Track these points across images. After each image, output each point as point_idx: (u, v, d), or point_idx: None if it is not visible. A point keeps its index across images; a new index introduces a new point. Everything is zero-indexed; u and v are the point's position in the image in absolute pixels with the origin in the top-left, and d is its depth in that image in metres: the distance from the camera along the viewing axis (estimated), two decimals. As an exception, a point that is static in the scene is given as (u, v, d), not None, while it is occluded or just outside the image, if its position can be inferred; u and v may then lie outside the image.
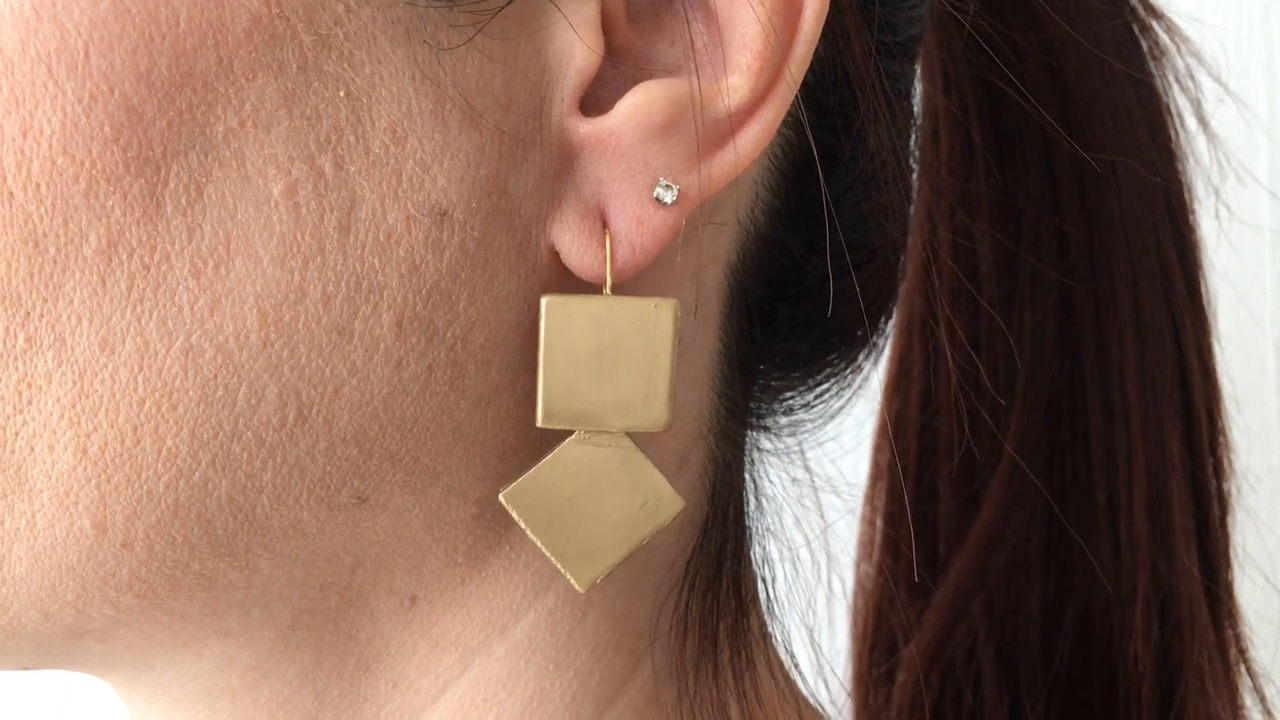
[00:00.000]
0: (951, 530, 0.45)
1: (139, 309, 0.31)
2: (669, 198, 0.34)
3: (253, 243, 0.31)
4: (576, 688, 0.37)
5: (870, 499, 0.49)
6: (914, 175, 0.44)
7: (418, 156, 0.32)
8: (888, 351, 0.47)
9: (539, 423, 0.34)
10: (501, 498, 0.34)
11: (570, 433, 0.35)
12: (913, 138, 0.44)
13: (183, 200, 0.31)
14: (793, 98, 0.34)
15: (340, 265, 0.32)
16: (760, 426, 0.43)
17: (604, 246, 0.34)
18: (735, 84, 0.33)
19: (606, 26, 0.34)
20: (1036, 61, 0.43)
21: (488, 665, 0.37)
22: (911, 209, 0.45)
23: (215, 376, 0.32)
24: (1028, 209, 0.44)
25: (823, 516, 0.43)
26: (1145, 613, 0.42)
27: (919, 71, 0.44)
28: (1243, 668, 0.45)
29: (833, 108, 0.38)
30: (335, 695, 0.37)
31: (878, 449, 0.49)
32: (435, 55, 0.32)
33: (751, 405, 0.42)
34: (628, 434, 0.35)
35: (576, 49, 0.33)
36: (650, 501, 0.35)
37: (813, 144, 0.36)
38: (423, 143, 0.32)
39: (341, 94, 0.31)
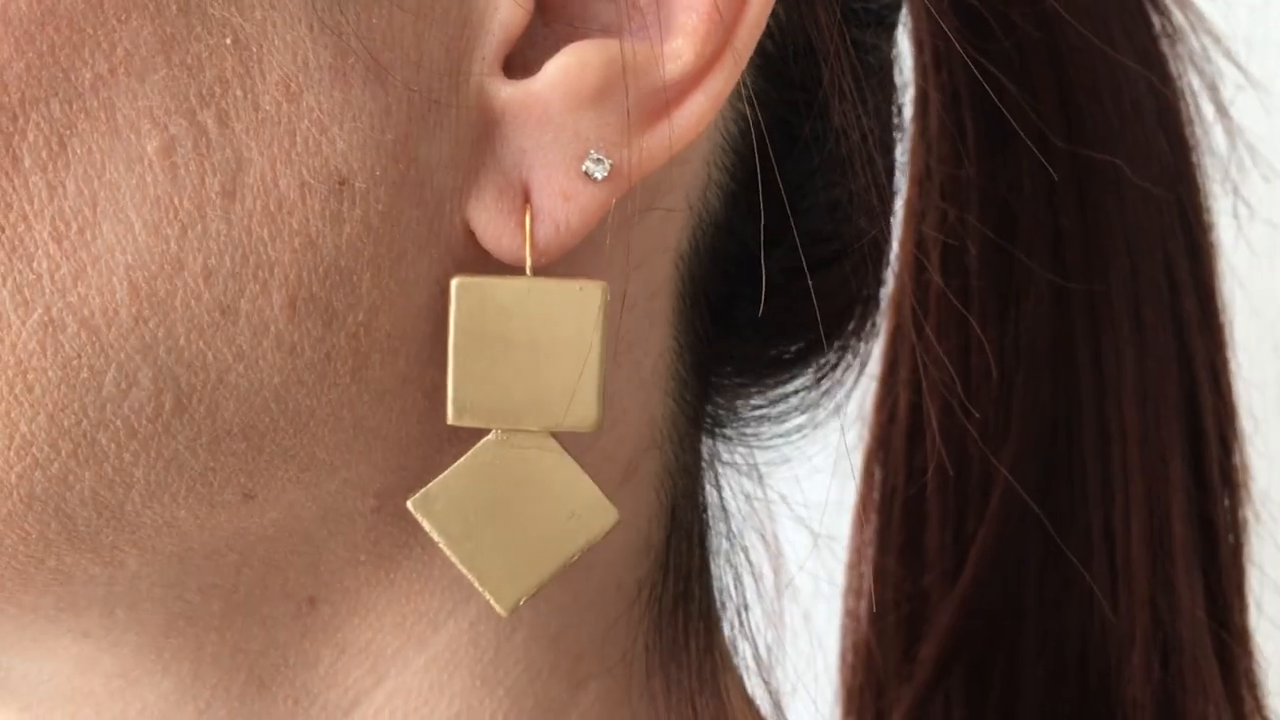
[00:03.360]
0: (943, 561, 0.42)
1: None
2: (600, 172, 0.30)
3: (123, 205, 0.28)
4: (508, 708, 0.34)
5: (858, 526, 0.45)
6: (899, 160, 0.41)
7: (314, 116, 0.29)
8: (877, 361, 0.43)
9: (449, 420, 0.31)
10: (410, 505, 0.31)
11: (487, 432, 0.31)
12: (897, 119, 0.40)
13: (43, 154, 0.27)
14: (744, 66, 0.31)
15: (224, 235, 0.28)
16: (720, 435, 0.39)
17: (523, 224, 0.30)
18: (678, 48, 0.30)
19: None
20: (1031, 38, 0.39)
21: (405, 677, 0.34)
22: (901, 199, 0.41)
23: (79, 355, 0.28)
24: (1021, 204, 0.40)
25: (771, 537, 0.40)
26: (1145, 655, 0.39)
27: (911, 47, 0.41)
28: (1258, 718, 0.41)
29: (794, 80, 0.34)
30: (222, 714, 0.33)
31: (866, 470, 0.45)
32: (337, 2, 0.28)
33: (709, 410, 0.38)
34: (554, 435, 0.31)
35: (501, 2, 0.30)
36: (580, 512, 0.31)
37: (760, 120, 0.32)
38: (320, 100, 0.29)
39: (228, 41, 0.28)
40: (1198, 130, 0.41)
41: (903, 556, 0.42)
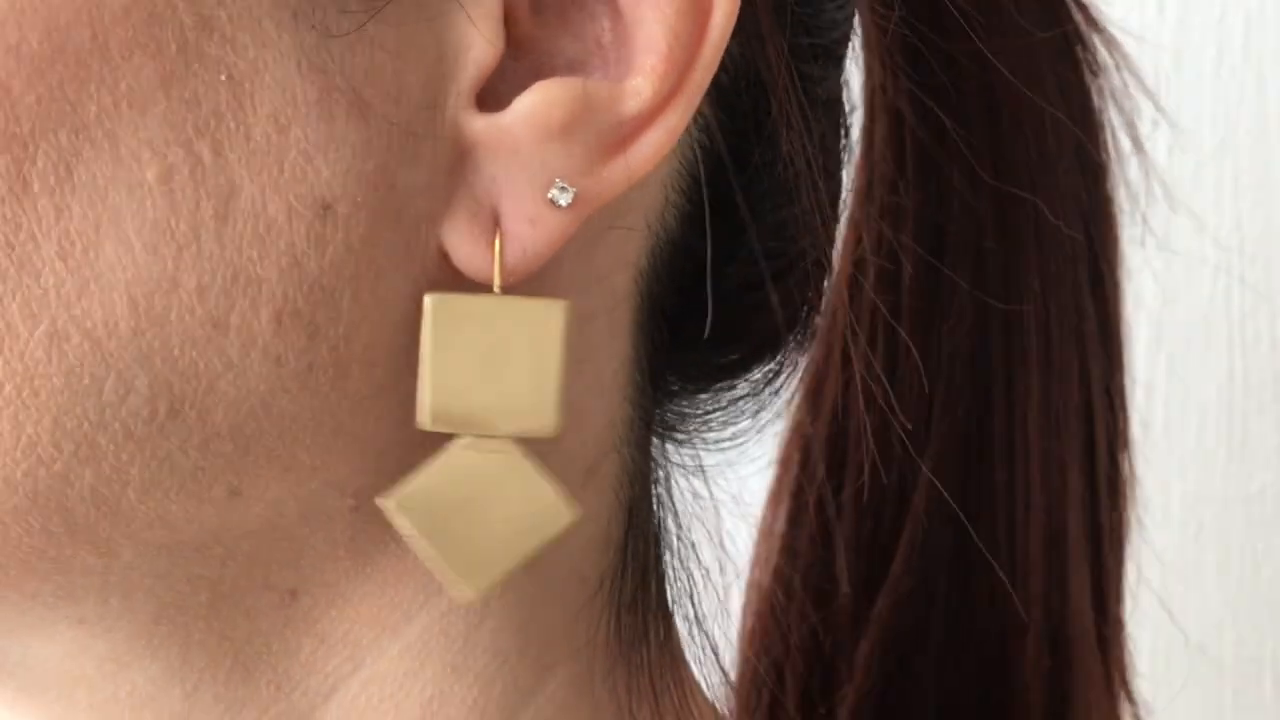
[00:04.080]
0: (860, 557, 0.44)
1: (0, 289, 0.30)
2: (564, 200, 0.33)
3: (124, 228, 0.30)
4: (478, 693, 0.36)
5: (770, 517, 0.47)
6: (845, 182, 0.43)
7: (301, 146, 0.31)
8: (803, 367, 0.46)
9: (425, 426, 0.33)
10: (383, 503, 0.33)
11: (456, 437, 0.34)
12: (844, 141, 0.42)
13: (51, 180, 0.30)
14: (698, 103, 0.33)
15: (217, 256, 0.31)
16: (671, 438, 0.42)
17: (493, 246, 0.33)
18: (637, 86, 0.32)
19: (509, 18, 0.32)
20: (967, 73, 0.42)
21: (381, 664, 0.36)
22: (844, 218, 0.43)
23: (81, 364, 0.30)
24: (950, 226, 0.43)
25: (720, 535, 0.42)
26: (1036, 644, 0.42)
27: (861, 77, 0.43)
28: (1126, 701, 0.44)
29: (746, 110, 0.37)
30: (208, 698, 0.35)
31: (781, 467, 0.47)
32: (323, 42, 0.31)
33: (661, 415, 0.41)
34: (518, 441, 0.34)
35: (475, 41, 0.32)
36: (539, 512, 0.34)
37: (706, 154, 0.34)
38: (306, 132, 0.31)
39: (223, 78, 0.30)
40: (1114, 163, 0.44)
41: (813, 549, 0.44)
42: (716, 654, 0.40)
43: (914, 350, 0.42)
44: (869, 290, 0.43)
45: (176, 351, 0.31)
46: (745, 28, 0.35)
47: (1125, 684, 0.45)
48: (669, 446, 0.42)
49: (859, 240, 0.43)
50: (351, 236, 0.32)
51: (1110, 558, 0.44)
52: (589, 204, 0.33)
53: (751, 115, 0.37)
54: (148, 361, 0.31)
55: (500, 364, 0.33)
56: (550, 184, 0.33)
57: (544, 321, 0.33)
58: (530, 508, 0.34)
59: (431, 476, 0.33)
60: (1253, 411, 0.71)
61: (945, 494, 0.41)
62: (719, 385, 0.42)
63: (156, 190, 0.30)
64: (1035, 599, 0.42)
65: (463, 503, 0.33)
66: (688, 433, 0.42)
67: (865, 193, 0.43)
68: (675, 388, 0.41)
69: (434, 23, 0.32)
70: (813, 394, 0.44)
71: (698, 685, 0.41)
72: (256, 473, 0.33)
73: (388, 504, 0.33)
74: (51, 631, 0.34)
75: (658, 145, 0.33)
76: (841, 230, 0.44)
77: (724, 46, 0.33)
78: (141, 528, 0.32)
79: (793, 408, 0.45)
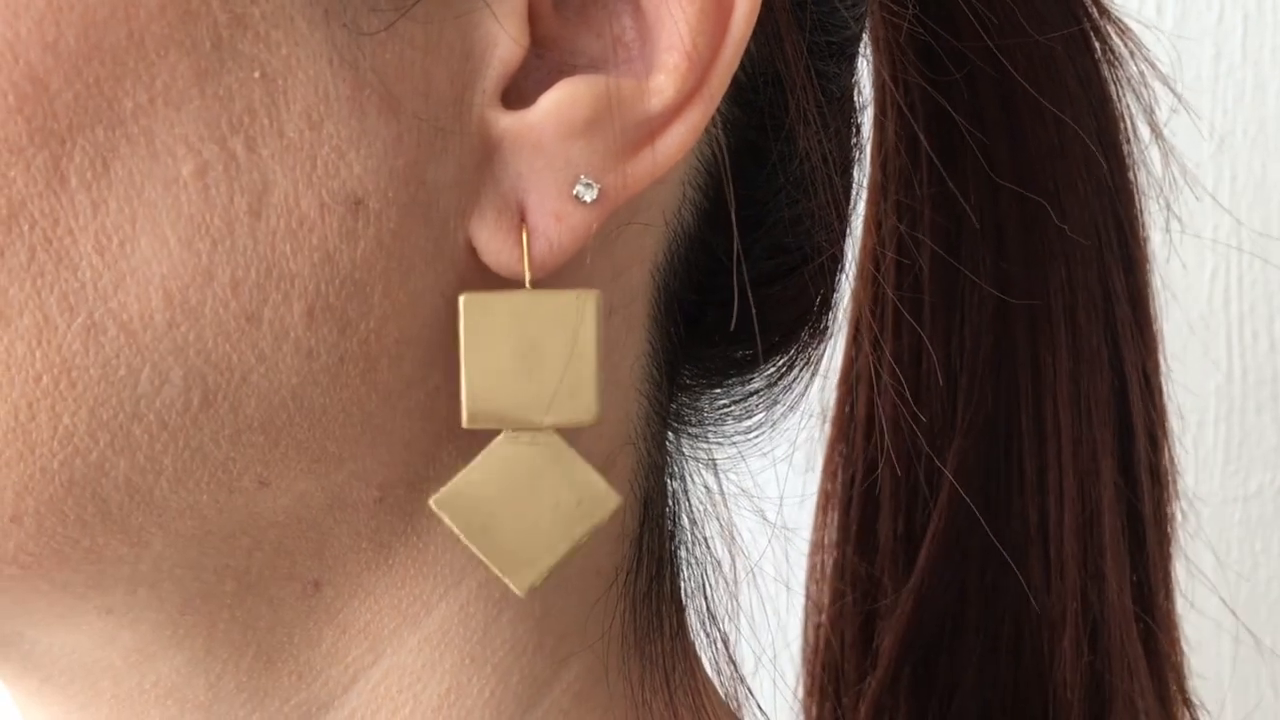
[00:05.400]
0: (895, 551, 0.45)
1: (39, 282, 0.30)
2: (589, 196, 0.33)
3: (160, 222, 0.31)
4: (495, 684, 0.37)
5: (821, 516, 0.48)
6: (859, 179, 0.44)
7: (333, 143, 0.31)
8: (838, 365, 0.46)
9: (465, 424, 0.33)
10: (432, 503, 0.34)
11: (480, 431, 0.34)
12: (855, 138, 0.43)
13: (88, 175, 0.30)
14: (719, 101, 0.34)
15: (250, 250, 0.31)
16: (686, 432, 0.42)
17: (520, 242, 0.33)
18: (660, 84, 0.33)
19: (533, 16, 0.33)
20: (983, 69, 0.42)
21: (400, 656, 0.36)
22: (860, 215, 0.44)
23: (118, 356, 0.31)
24: (967, 220, 0.43)
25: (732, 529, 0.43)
26: (1074, 639, 0.42)
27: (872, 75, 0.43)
28: (1182, 702, 0.44)
29: (763, 107, 0.37)
30: (231, 688, 0.36)
31: (827, 464, 0.48)
32: (354, 39, 0.31)
33: (676, 408, 0.41)
34: (556, 431, 0.34)
35: (500, 39, 0.32)
36: (585, 499, 0.34)
37: (731, 145, 0.35)
38: (339, 129, 0.31)
39: (256, 75, 0.31)
40: (1135, 150, 0.44)
41: (859, 546, 0.45)
42: (728, 646, 0.41)
43: (929, 342, 0.42)
44: (888, 286, 0.43)
45: (210, 344, 0.31)
46: (764, 26, 0.36)
47: (1180, 682, 0.45)
48: (683, 441, 0.42)
49: (878, 236, 0.44)
50: (382, 231, 0.32)
51: (1155, 550, 0.44)
52: (613, 200, 0.33)
53: (769, 112, 0.37)
54: (182, 354, 0.31)
55: (536, 357, 0.33)
56: (575, 180, 0.33)
57: (578, 311, 0.33)
58: (577, 495, 0.34)
59: (473, 473, 0.34)
60: (1251, 411, 0.71)
61: (968, 484, 0.42)
62: (734, 379, 0.42)
63: (191, 185, 0.31)
64: (1071, 590, 0.42)
65: (509, 496, 0.34)
66: (702, 427, 0.42)
67: (881, 190, 0.44)
68: (690, 382, 0.41)
69: (461, 20, 0.32)
70: (845, 390, 0.44)
71: (709, 678, 0.41)
72: (286, 464, 0.33)
73: (434, 503, 0.34)
74: (79, 621, 0.34)
75: (680, 142, 0.34)
76: (857, 226, 0.44)
77: (745, 45, 0.33)
78: (173, 517, 0.33)
79: (819, 404, 0.46)
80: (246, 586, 0.35)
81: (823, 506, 0.47)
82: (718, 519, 0.43)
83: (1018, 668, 0.43)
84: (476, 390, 0.33)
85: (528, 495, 0.34)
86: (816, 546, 0.47)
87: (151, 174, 0.30)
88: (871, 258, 0.45)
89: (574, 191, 0.33)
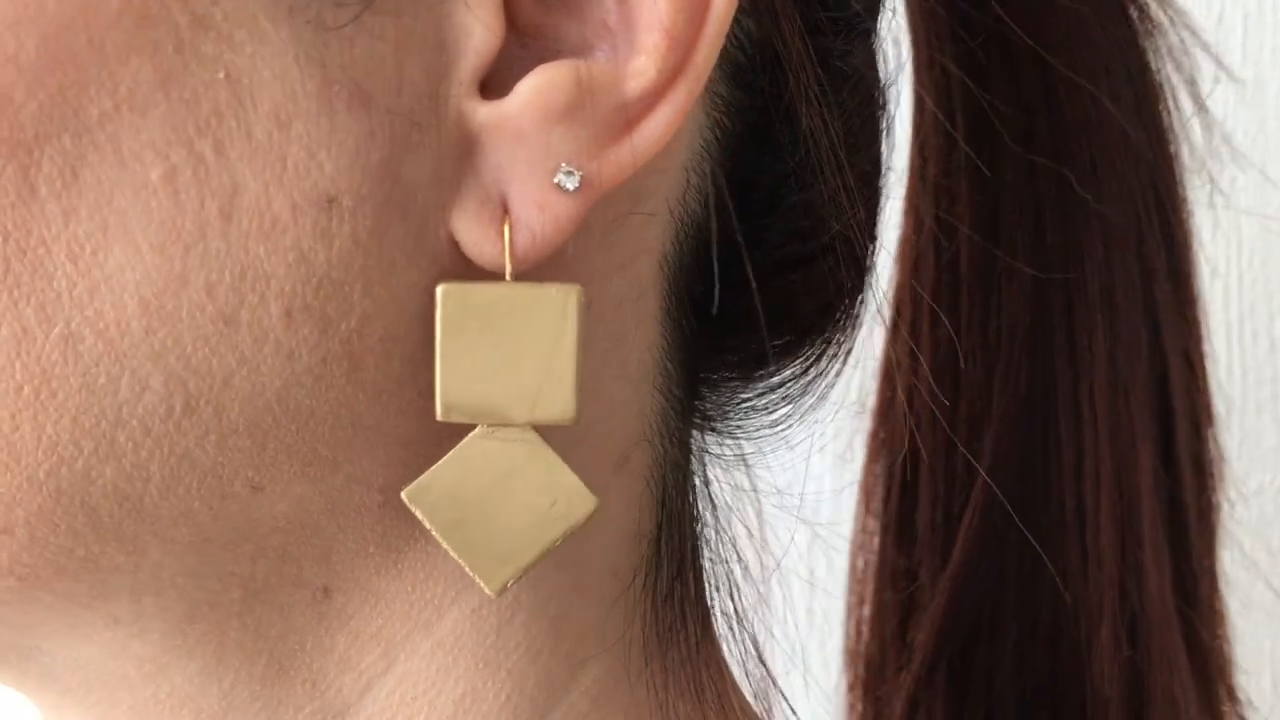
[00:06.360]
0: (933, 542, 0.43)
1: (15, 294, 0.30)
2: (571, 184, 0.32)
3: (131, 229, 0.30)
4: (511, 688, 0.36)
5: (863, 509, 0.47)
6: (888, 160, 0.42)
7: (303, 141, 0.31)
8: (879, 356, 0.45)
9: (439, 417, 0.33)
10: (404, 495, 0.33)
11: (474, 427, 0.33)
12: (879, 119, 0.41)
13: (57, 184, 0.30)
14: (704, 81, 0.33)
15: (223, 253, 0.31)
16: (709, 429, 0.41)
17: (503, 234, 0.32)
18: (641, 66, 0.32)
19: (512, 5, 0.32)
20: (1016, 40, 0.41)
21: (414, 662, 0.36)
22: (884, 199, 0.43)
23: (97, 364, 0.31)
24: (1004, 197, 0.42)
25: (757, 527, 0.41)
26: (1112, 631, 0.40)
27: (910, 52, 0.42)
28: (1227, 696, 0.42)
29: (765, 88, 0.36)
30: (245, 697, 0.36)
31: (870, 455, 0.47)
32: (320, 35, 0.31)
33: (698, 405, 0.40)
34: (537, 428, 0.33)
35: (475, 29, 0.32)
36: (560, 500, 0.33)
37: (725, 135, 0.34)
38: (308, 127, 0.31)
39: (220, 76, 0.30)
40: (1176, 123, 0.42)
41: (898, 539, 0.44)
42: (758, 648, 0.40)
43: (966, 326, 0.41)
44: (926, 269, 0.42)
45: (189, 349, 0.31)
46: (760, 4, 0.34)
47: (1226, 678, 0.43)
48: (708, 438, 0.41)
49: (916, 219, 0.42)
50: (358, 229, 0.32)
51: (1198, 541, 0.42)
52: (597, 188, 0.32)
53: (771, 93, 0.36)
54: (161, 359, 0.31)
55: (514, 351, 0.33)
56: (556, 168, 0.32)
57: (557, 306, 0.33)
58: (552, 495, 0.33)
59: (448, 467, 0.33)
60: (1251, 411, 0.69)
61: (1004, 471, 0.40)
62: (756, 372, 0.41)
63: (161, 191, 0.30)
64: (1109, 581, 0.40)
65: (482, 493, 0.33)
66: (727, 424, 0.41)
67: (919, 171, 0.43)
68: (710, 377, 0.40)
69: (433, 11, 0.32)
70: (886, 379, 0.43)
71: (735, 682, 0.40)
72: (277, 468, 0.33)
73: (405, 495, 0.33)
74: (88, 632, 0.35)
75: (665, 125, 0.33)
76: (892, 210, 0.43)
77: (729, 21, 0.32)
78: (166, 525, 0.33)
79: (847, 396, 0.44)
80: (254, 594, 0.35)
81: (864, 501, 0.45)
82: (742, 521, 0.42)
83: (1055, 660, 0.41)
84: (451, 383, 0.32)
85: (502, 493, 0.33)
86: (858, 542, 0.45)
87: (120, 181, 0.30)
88: (911, 241, 0.43)
89: (555, 180, 0.32)
